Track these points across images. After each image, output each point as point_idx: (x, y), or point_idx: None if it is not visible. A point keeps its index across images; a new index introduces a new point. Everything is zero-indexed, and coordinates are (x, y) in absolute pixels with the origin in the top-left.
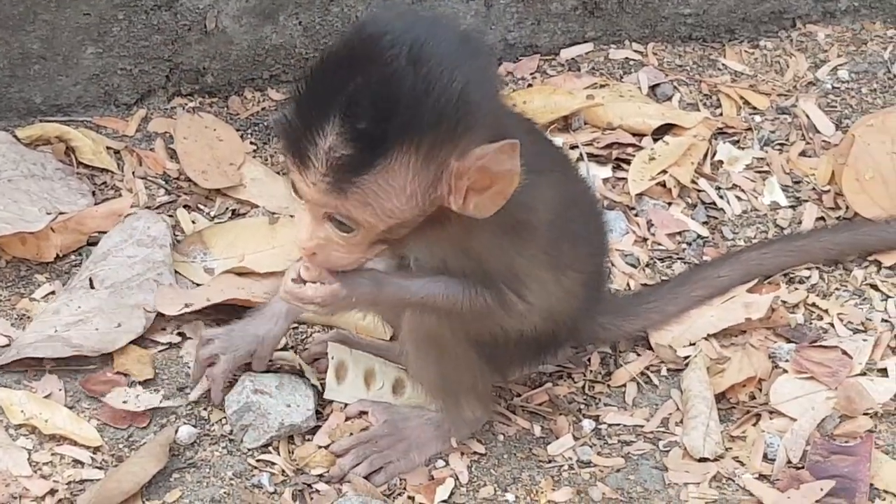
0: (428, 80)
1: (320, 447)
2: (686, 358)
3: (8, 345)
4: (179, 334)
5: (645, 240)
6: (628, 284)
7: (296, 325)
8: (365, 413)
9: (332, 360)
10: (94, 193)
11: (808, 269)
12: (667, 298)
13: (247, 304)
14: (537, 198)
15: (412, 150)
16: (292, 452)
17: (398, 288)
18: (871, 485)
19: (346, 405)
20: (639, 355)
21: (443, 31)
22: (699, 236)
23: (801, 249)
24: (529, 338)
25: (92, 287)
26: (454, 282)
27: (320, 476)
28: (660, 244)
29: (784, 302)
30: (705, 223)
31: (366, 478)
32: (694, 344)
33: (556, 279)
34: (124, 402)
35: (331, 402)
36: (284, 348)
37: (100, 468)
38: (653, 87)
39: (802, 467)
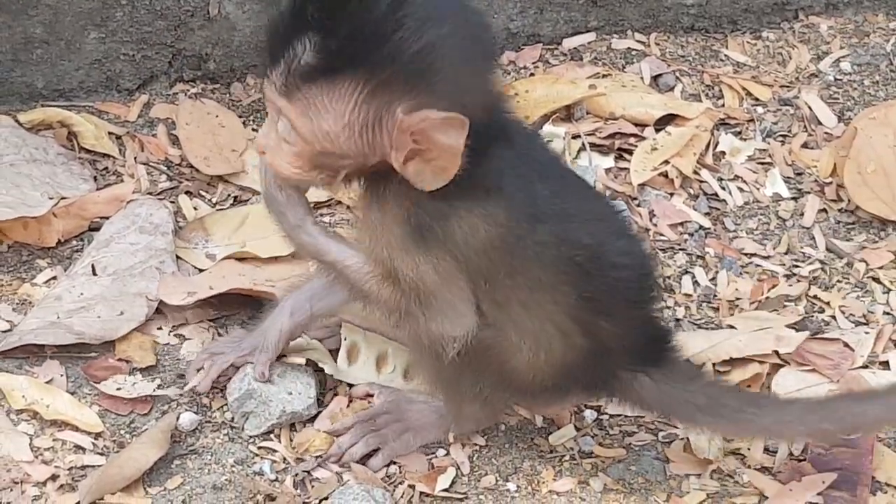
0: (399, 24)
1: (320, 431)
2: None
3: (9, 330)
4: (178, 336)
5: (647, 230)
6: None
7: None
8: (370, 395)
9: (345, 341)
10: (95, 179)
11: (810, 261)
12: (782, 419)
13: (250, 294)
14: (464, 229)
15: (360, 81)
16: (293, 440)
17: (314, 238)
18: (873, 477)
19: (350, 387)
20: None
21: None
22: (701, 227)
23: None
24: (516, 376)
25: (94, 274)
26: (369, 264)
27: (319, 457)
28: (662, 235)
29: (786, 295)
30: (707, 214)
31: (363, 462)
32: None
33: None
34: (118, 388)
35: (332, 390)
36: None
37: (101, 454)
38: (655, 78)
39: (804, 459)
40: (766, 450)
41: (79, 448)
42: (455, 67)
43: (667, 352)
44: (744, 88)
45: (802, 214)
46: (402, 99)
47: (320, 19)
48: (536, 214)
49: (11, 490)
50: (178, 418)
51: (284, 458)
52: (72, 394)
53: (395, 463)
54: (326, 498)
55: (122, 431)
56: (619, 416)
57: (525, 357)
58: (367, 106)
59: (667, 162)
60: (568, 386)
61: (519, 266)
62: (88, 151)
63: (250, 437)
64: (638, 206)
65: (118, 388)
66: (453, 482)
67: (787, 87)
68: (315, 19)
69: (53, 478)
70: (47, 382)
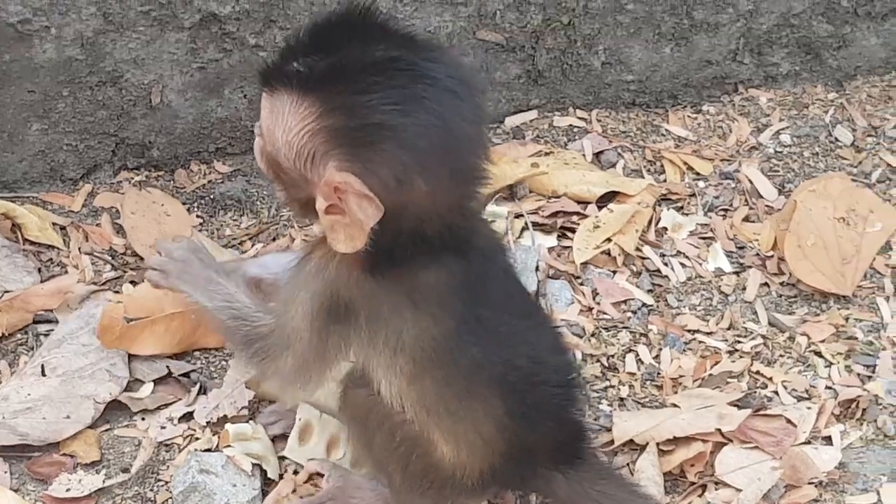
0: (377, 87)
1: None
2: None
3: None
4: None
5: (590, 309)
6: (573, 354)
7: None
8: (320, 475)
9: (300, 420)
10: (40, 270)
11: (753, 336)
12: None
13: None
14: (390, 328)
15: (316, 114)
16: None
17: (196, 287)
18: None
19: (296, 474)
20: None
21: (450, 91)
22: (644, 304)
23: None
24: (439, 470)
25: (43, 374)
26: (258, 314)
27: None
28: (605, 313)
29: (729, 372)
30: (650, 291)
31: None
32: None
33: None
34: (67, 490)
35: (276, 480)
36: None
37: None
38: (597, 154)
39: None
40: None
41: None
42: (402, 163)
43: (582, 451)
44: (685, 163)
45: (745, 289)
46: (341, 154)
47: (328, 39)
48: (471, 338)
49: None
50: None
51: None
52: (15, 490)
53: None
54: None
55: None
56: None
57: (448, 455)
58: (311, 138)
59: (609, 240)
60: (489, 482)
61: (449, 378)
62: (32, 243)
63: None
64: (581, 284)
65: (66, 490)
66: None
67: (728, 160)
68: (324, 38)
69: None
70: None
